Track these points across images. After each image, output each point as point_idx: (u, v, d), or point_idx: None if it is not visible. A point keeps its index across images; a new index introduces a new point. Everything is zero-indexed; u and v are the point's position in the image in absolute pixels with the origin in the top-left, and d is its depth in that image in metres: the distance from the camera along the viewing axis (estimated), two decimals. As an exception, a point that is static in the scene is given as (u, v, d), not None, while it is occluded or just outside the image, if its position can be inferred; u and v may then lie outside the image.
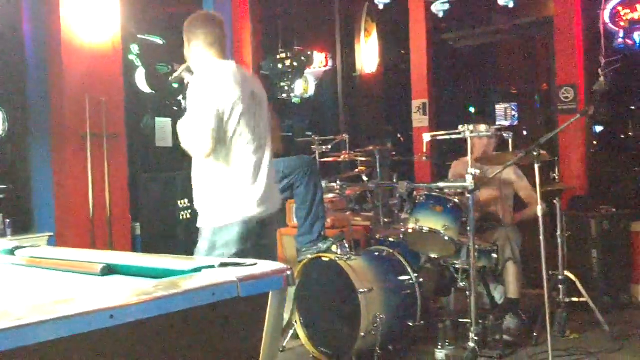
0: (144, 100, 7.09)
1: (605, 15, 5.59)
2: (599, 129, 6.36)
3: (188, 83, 3.14)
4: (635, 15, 5.55)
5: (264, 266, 1.65)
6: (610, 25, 5.62)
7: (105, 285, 1.74)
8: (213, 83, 2.97)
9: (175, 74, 3.28)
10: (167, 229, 6.33)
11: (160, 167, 6.91)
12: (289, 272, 1.66)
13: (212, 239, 3.01)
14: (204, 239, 3.04)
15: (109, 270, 1.86)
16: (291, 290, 4.14)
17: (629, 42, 5.60)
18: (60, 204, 5.54)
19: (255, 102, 3.14)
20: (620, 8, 5.60)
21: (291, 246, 5.78)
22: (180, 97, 7.39)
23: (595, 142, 6.21)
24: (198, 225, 3.10)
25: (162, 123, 7.04)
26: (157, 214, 6.40)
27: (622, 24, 5.61)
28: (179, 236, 6.30)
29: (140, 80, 6.84)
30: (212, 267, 1.65)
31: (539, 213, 3.89)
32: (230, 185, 3.01)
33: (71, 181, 5.46)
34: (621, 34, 5.60)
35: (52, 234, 5.43)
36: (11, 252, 2.34)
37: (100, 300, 1.31)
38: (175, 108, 7.39)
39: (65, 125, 5.46)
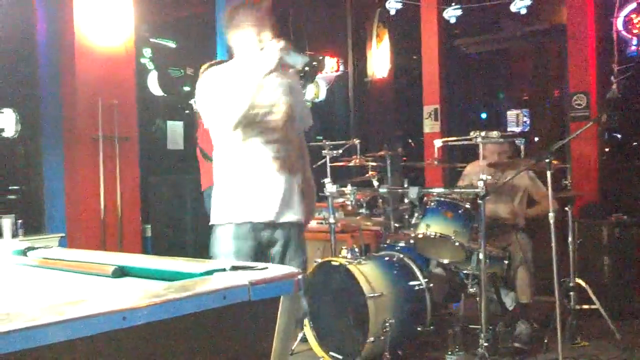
0: (156, 103, 7.13)
1: (619, 22, 5.57)
2: (611, 136, 6.33)
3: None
4: (649, 23, 5.54)
5: (276, 270, 1.65)
6: (624, 32, 5.60)
7: (117, 287, 1.75)
8: None
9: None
10: (177, 231, 6.35)
11: (171, 170, 6.94)
12: (300, 277, 1.66)
13: None
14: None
15: (121, 272, 1.87)
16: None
17: (643, 49, 5.58)
18: (72, 206, 5.56)
19: None
20: (633, 16, 5.59)
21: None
22: (191, 101, 7.45)
23: (607, 150, 6.18)
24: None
25: (174, 126, 7.08)
26: (168, 216, 6.43)
27: (635, 31, 5.59)
28: (189, 238, 6.31)
29: (153, 83, 6.89)
30: (224, 270, 1.66)
31: (551, 220, 3.88)
32: None
33: (83, 183, 5.49)
34: (634, 42, 5.59)
35: (63, 235, 5.46)
36: (23, 253, 2.36)
37: (113, 302, 1.32)
38: (187, 111, 7.43)
39: (77, 128, 5.49)
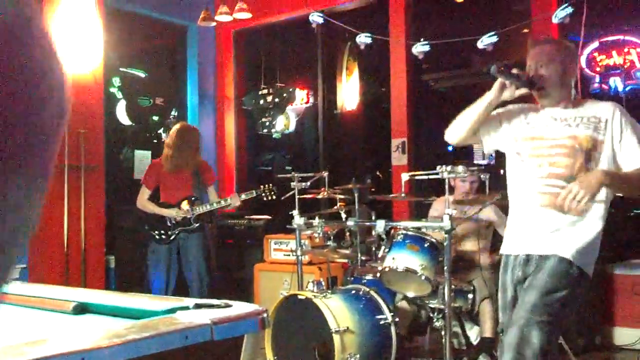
0: (124, 133, 7.10)
1: (582, 60, 5.72)
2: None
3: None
4: (611, 62, 5.70)
5: (239, 308, 1.65)
6: (587, 70, 5.75)
7: (77, 325, 1.72)
8: None
9: (512, 77, 3.13)
10: (141, 262, 6.26)
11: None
12: (264, 315, 1.66)
13: None
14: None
15: (81, 309, 1.84)
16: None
17: (605, 87, 5.73)
18: (35, 236, 5.46)
19: None
20: (596, 54, 5.75)
21: (268, 282, 5.77)
22: (160, 130, 7.43)
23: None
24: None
25: (142, 155, 7.04)
26: (132, 247, 6.34)
27: (598, 69, 5.75)
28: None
29: (121, 112, 6.86)
30: (187, 308, 1.65)
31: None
32: None
33: (47, 213, 5.41)
34: (597, 79, 5.74)
35: (24, 266, 5.36)
36: (-18, 287, 2.31)
37: (72, 342, 1.30)
38: (154, 140, 7.41)
39: (43, 156, 5.43)
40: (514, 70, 3.08)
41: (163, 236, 5.49)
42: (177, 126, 5.74)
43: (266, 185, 5.58)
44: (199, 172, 5.67)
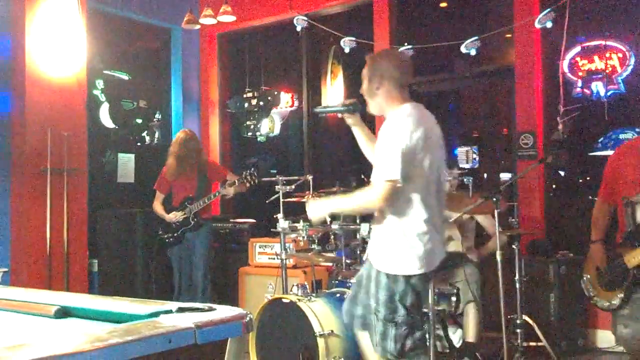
0: (108, 135, 7.05)
1: (564, 65, 5.75)
2: (557, 174, 6.49)
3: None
4: (593, 67, 5.73)
5: (223, 311, 1.64)
6: (569, 75, 5.78)
7: (58, 329, 1.71)
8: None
9: (330, 109, 3.52)
10: (125, 266, 6.23)
11: (121, 203, 6.84)
12: (248, 318, 1.65)
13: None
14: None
15: (64, 312, 1.83)
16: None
17: (587, 91, 5.76)
18: (17, 239, 5.42)
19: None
20: (578, 59, 5.78)
21: (253, 286, 5.75)
22: (144, 133, 7.39)
23: (554, 186, 6.33)
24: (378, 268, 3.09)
25: (125, 158, 7.00)
26: (116, 250, 6.31)
27: (580, 74, 5.78)
28: (137, 273, 6.20)
29: (105, 115, 6.82)
30: (170, 312, 1.64)
31: (498, 257, 3.95)
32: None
33: (29, 216, 5.37)
34: (579, 84, 5.77)
35: (7, 269, 5.31)
36: (-37, 291, 2.29)
37: (54, 346, 1.29)
38: (138, 143, 7.36)
39: (25, 159, 5.39)
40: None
41: (171, 238, 5.86)
42: (180, 135, 6.02)
43: (247, 171, 5.71)
44: (207, 172, 6.06)
